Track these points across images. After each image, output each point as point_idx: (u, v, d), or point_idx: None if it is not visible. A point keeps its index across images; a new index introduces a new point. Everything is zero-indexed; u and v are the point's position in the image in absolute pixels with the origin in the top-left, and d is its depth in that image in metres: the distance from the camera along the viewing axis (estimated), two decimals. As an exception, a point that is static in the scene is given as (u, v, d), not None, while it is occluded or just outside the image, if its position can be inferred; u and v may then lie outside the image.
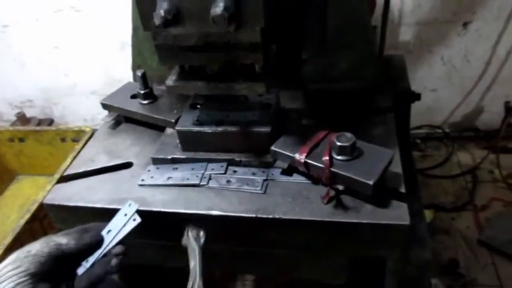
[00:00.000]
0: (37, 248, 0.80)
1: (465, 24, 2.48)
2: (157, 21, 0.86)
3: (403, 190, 1.00)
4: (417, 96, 1.63)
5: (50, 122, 3.23)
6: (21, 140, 2.30)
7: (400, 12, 2.49)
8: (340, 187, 0.98)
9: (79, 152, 1.33)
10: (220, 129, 1.10)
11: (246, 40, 0.95)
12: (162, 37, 0.97)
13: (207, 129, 1.11)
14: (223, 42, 0.96)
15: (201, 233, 1.00)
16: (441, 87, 2.75)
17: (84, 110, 3.20)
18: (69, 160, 1.80)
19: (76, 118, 3.28)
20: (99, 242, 0.92)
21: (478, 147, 2.82)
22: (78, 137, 2.10)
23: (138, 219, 0.96)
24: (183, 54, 0.99)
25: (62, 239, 0.84)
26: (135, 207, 0.96)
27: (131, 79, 1.58)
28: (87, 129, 2.09)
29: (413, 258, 1.20)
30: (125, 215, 0.96)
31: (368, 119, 1.26)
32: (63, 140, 2.19)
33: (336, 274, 1.14)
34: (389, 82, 1.52)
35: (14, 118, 3.12)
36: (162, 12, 0.86)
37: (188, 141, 1.14)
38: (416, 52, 2.63)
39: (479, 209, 2.41)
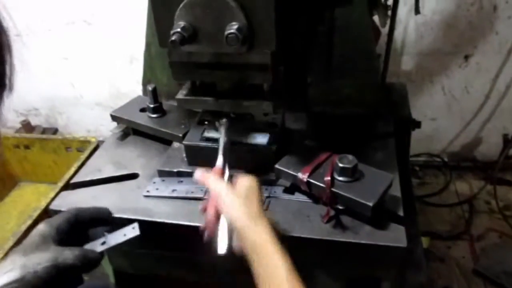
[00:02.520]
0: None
1: (466, 57, 2.55)
2: (174, 38, 0.91)
3: (401, 213, 1.03)
4: (417, 124, 1.67)
5: (54, 131, 3.27)
6: (27, 147, 2.33)
7: (403, 42, 2.56)
8: (340, 207, 1.00)
9: (84, 161, 1.36)
10: (226, 145, 1.14)
11: (256, 61, 0.99)
12: (177, 54, 1.02)
13: (213, 144, 1.15)
14: (234, 61, 1.00)
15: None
16: (441, 116, 2.80)
17: (88, 120, 3.23)
18: (73, 169, 1.82)
19: (80, 128, 3.32)
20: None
21: (476, 178, 2.85)
22: (83, 147, 2.13)
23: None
24: (196, 71, 1.04)
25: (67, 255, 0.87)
26: (137, 231, 0.99)
27: (137, 93, 1.63)
28: (93, 139, 2.12)
29: (409, 281, 1.22)
30: (124, 235, 0.99)
31: (369, 144, 1.30)
32: (68, 149, 2.23)
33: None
34: (391, 108, 1.57)
35: (18, 126, 3.15)
36: (179, 30, 0.91)
37: (194, 155, 1.18)
38: (418, 81, 2.69)
39: (475, 239, 2.42)
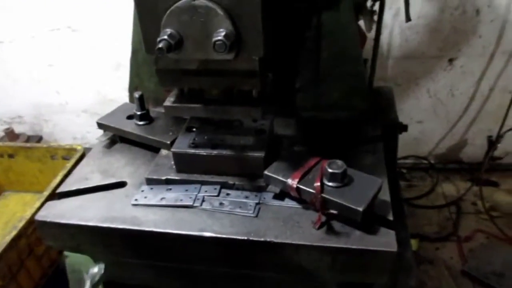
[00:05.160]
0: None
1: (450, 60, 2.59)
2: (160, 45, 0.90)
3: (391, 217, 1.03)
4: (404, 128, 1.68)
5: (39, 139, 3.22)
6: (11, 156, 2.29)
7: (389, 46, 2.59)
8: (332, 212, 1.00)
9: (70, 170, 1.34)
10: (215, 152, 1.13)
11: (244, 68, 0.99)
12: (164, 61, 1.01)
13: (202, 152, 1.14)
14: (222, 68, 1.00)
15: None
16: (427, 119, 2.83)
17: (74, 128, 3.20)
18: (59, 177, 1.79)
19: (66, 136, 3.27)
20: None
21: (462, 179, 2.88)
22: (69, 155, 2.10)
23: None
24: (183, 78, 1.03)
25: None
26: None
27: (124, 99, 1.61)
28: (79, 147, 2.09)
29: (400, 285, 1.22)
30: None
31: (358, 148, 1.31)
32: (53, 157, 2.19)
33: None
34: (378, 113, 1.58)
35: (2, 134, 3.10)
36: (166, 38, 0.90)
37: (183, 163, 1.17)
38: (404, 84, 2.72)
39: (462, 240, 2.44)
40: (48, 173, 1.99)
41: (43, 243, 1.24)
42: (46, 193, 1.73)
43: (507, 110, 2.49)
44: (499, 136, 2.58)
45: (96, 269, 1.06)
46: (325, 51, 1.34)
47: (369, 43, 1.71)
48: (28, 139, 3.14)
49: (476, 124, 2.78)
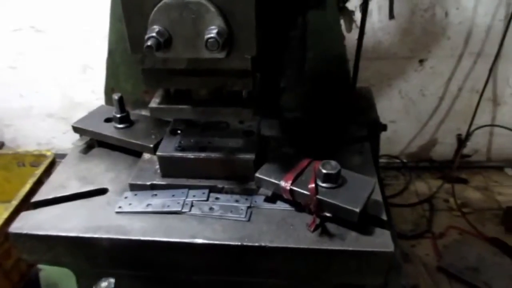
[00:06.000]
0: None
1: (421, 61, 2.65)
2: (149, 43, 0.85)
3: (384, 217, 1.03)
4: (384, 127, 1.70)
5: (0, 145, 3.05)
6: (-28, 164, 2.15)
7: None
8: (328, 214, 0.98)
9: (40, 177, 1.26)
10: (203, 155, 1.09)
11: (236, 67, 0.96)
12: (151, 61, 0.96)
13: (189, 155, 1.09)
14: (213, 67, 0.96)
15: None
16: (399, 119, 2.89)
17: (40, 133, 3.04)
18: (28, 185, 1.69)
19: (29, 141, 3.11)
20: None
21: (433, 177, 2.95)
22: (37, 162, 1.98)
23: None
24: (171, 78, 0.98)
25: None
26: None
27: (92, 103, 1.54)
28: (48, 153, 1.98)
29: (390, 284, 1.22)
30: None
31: (345, 148, 1.30)
32: (21, 165, 2.07)
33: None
34: (361, 113, 1.58)
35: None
36: (154, 35, 0.86)
37: (169, 167, 1.12)
38: (376, 85, 2.76)
39: (437, 236, 2.50)
40: (15, 182, 1.87)
41: (11, 256, 1.16)
42: (14, 203, 1.62)
43: (475, 109, 2.58)
44: (468, 134, 2.67)
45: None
46: (311, 50, 1.33)
47: (348, 43, 1.71)
48: (-12, 145, 2.97)
49: (446, 123, 2.85)
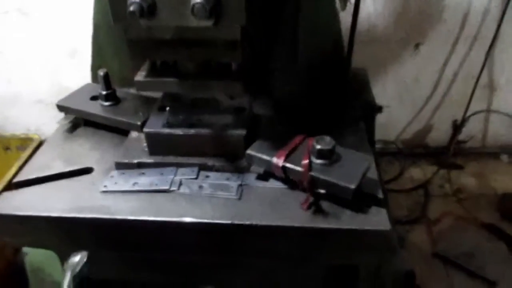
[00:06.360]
0: None
1: (417, 45, 2.60)
2: (132, 9, 0.80)
3: (380, 195, 0.99)
4: (379, 109, 1.66)
5: (-12, 131, 2.97)
6: (-43, 149, 2.09)
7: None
8: (322, 191, 0.94)
9: (26, 161, 1.20)
10: (192, 131, 1.04)
11: (225, 37, 0.91)
12: (135, 30, 0.91)
13: (178, 131, 1.05)
14: (200, 37, 0.91)
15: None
16: (394, 104, 2.84)
17: (28, 119, 2.97)
18: (14, 169, 1.63)
19: (18, 128, 3.03)
20: None
21: (428, 163, 2.93)
22: (24, 145, 1.93)
23: None
24: (156, 49, 0.93)
25: None
26: None
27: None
28: (35, 136, 1.93)
29: (384, 266, 1.19)
30: None
31: (340, 128, 1.25)
32: (6, 149, 2.01)
33: (311, 285, 1.10)
34: (354, 95, 1.54)
35: None
36: (137, 0, 0.80)
37: (157, 144, 1.07)
38: (371, 69, 2.70)
39: (432, 222, 2.48)
40: (2, 166, 1.81)
41: (-4, 241, 1.11)
42: (0, 185, 1.57)
43: (471, 95, 2.55)
44: (464, 120, 2.64)
45: (77, 258, 0.93)
46: (304, 27, 1.28)
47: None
48: (-24, 132, 2.90)
49: (441, 109, 2.82)
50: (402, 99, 2.82)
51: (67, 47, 2.67)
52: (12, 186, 1.09)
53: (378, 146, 2.95)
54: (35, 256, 1.24)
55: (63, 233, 1.00)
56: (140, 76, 0.98)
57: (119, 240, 0.99)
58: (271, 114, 1.28)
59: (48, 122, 2.79)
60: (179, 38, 0.91)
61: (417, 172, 2.86)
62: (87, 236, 1.00)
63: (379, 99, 2.81)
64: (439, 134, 2.92)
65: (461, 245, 2.28)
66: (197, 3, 0.80)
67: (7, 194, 1.05)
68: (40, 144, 1.89)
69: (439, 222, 2.47)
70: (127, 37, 0.92)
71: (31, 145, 1.84)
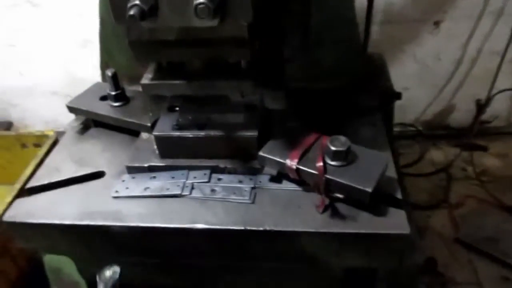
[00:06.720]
0: None
1: (436, 23, 2.48)
2: (132, 12, 0.76)
3: (399, 196, 0.95)
4: (398, 95, 1.59)
5: (8, 125, 3.02)
6: (-24, 146, 2.11)
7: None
8: (339, 195, 0.91)
9: (42, 160, 1.20)
10: (202, 133, 1.01)
11: (231, 35, 0.86)
12: (137, 32, 0.87)
13: (188, 133, 1.02)
14: (206, 36, 0.87)
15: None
16: (413, 85, 2.74)
17: (45, 111, 3.00)
18: (31, 167, 1.64)
19: (37, 121, 3.08)
20: None
21: (450, 145, 2.84)
22: (40, 142, 1.93)
23: None
24: (161, 50, 0.90)
25: None
26: None
27: (95, 78, 1.46)
28: (50, 133, 1.93)
29: (405, 263, 1.15)
30: None
31: (355, 120, 1.21)
32: (23, 146, 2.02)
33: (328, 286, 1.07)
34: (371, 80, 1.48)
35: (-32, 121, 2.89)
36: (138, 3, 0.76)
37: (167, 147, 1.04)
38: (388, 50, 2.61)
39: (454, 207, 2.41)
40: (20, 163, 1.81)
41: (16, 242, 1.12)
42: (17, 186, 1.58)
43: (497, 72, 2.43)
44: (489, 99, 2.53)
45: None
46: (316, 14, 1.22)
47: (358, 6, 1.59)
48: (-4, 125, 2.94)
49: (463, 88, 2.71)
50: (421, 79, 2.72)
51: (78, 38, 2.65)
52: (25, 192, 1.08)
53: (396, 129, 2.87)
54: (52, 257, 1.24)
55: (75, 239, 1.00)
56: (146, 79, 0.95)
57: (131, 245, 0.98)
58: (283, 108, 1.23)
59: (64, 113, 2.81)
60: (183, 38, 0.87)
61: (438, 155, 2.78)
62: (99, 242, 0.99)
63: (398, 81, 2.72)
64: (461, 114, 2.82)
65: (484, 230, 2.21)
66: (201, 3, 0.75)
67: (20, 200, 1.05)
68: (56, 140, 1.90)
69: (462, 206, 2.41)
70: (129, 40, 0.88)
71: (47, 142, 1.84)
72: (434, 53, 2.61)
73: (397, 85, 2.70)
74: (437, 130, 2.90)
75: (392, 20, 2.49)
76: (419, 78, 2.72)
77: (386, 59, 2.60)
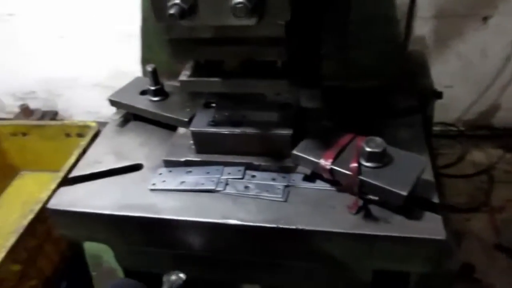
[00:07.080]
0: None
1: (485, 18, 2.38)
2: (172, 11, 0.78)
3: (436, 200, 0.93)
4: (439, 95, 1.55)
5: (54, 114, 3.15)
6: (24, 134, 2.22)
7: (416, 5, 2.39)
8: (373, 197, 0.90)
9: (85, 149, 1.25)
10: (237, 130, 1.03)
11: (268, 34, 0.87)
12: (176, 30, 0.89)
13: (223, 130, 1.03)
14: (243, 35, 0.88)
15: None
16: (456, 83, 2.65)
17: (88, 102, 3.11)
18: (73, 157, 1.72)
19: (80, 111, 3.20)
20: None
21: (494, 146, 2.72)
22: (83, 132, 2.02)
23: None
24: (199, 48, 0.91)
25: None
26: None
27: (136, 72, 1.51)
28: (93, 124, 2.01)
29: (440, 268, 1.12)
30: None
31: (392, 120, 1.18)
32: (68, 135, 2.11)
33: None
34: (411, 79, 1.44)
35: (17, 110, 3.04)
36: (178, 2, 0.78)
37: (203, 142, 1.07)
38: (431, 47, 2.53)
39: (495, 210, 2.32)
40: (64, 152, 1.90)
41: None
42: (61, 174, 1.66)
43: (547, 71, 2.31)
44: (538, 99, 2.41)
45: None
46: (355, 12, 1.20)
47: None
48: (43, 115, 3.07)
49: (511, 87, 2.59)
50: (466, 77, 2.62)
51: (123, 32, 2.72)
52: (68, 181, 1.14)
53: (436, 128, 2.79)
54: (92, 244, 1.30)
55: (113, 229, 1.04)
56: (184, 76, 0.97)
57: (165, 237, 1.01)
58: (318, 107, 1.22)
59: (106, 105, 2.91)
60: (221, 36, 0.88)
61: (480, 156, 2.67)
62: (136, 232, 1.03)
63: (440, 79, 2.64)
64: (507, 114, 2.70)
65: (527, 236, 2.12)
66: (238, 2, 0.76)
67: (63, 189, 1.11)
68: (98, 131, 1.98)
69: (503, 211, 2.31)
70: (169, 37, 0.90)
71: (89, 133, 1.92)
72: (480, 50, 2.50)
73: (440, 83, 2.63)
74: (479, 130, 2.78)
75: (437, 15, 2.40)
76: (463, 76, 2.62)
77: (429, 56, 2.53)
